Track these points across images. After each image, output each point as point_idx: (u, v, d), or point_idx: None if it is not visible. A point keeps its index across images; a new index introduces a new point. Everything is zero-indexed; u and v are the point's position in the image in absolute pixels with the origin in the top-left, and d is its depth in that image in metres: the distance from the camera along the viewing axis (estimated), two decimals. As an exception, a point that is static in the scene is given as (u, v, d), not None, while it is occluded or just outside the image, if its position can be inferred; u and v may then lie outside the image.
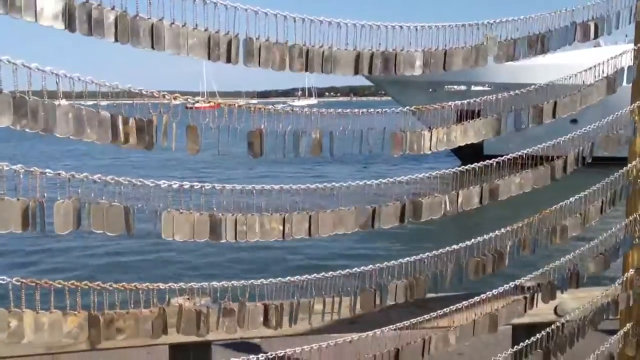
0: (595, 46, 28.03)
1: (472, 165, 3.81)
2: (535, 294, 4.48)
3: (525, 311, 4.44)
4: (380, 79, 29.73)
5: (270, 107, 3.03)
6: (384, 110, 3.33)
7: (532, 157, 4.11)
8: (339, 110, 3.19)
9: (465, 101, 3.65)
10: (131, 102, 2.57)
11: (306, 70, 2.98)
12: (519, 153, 4.04)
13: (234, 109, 2.89)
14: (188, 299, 3.02)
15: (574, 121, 4.33)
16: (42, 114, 2.32)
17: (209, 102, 3.04)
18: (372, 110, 3.26)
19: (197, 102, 3.06)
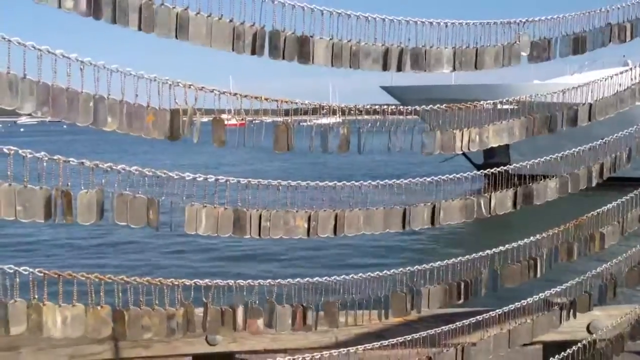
0: (624, 65, 27.76)
1: (505, 168, 3.72)
2: (571, 306, 4.34)
3: (560, 322, 4.30)
4: (405, 96, 29.62)
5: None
6: (413, 108, 3.26)
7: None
8: (368, 105, 3.13)
9: (498, 100, 3.59)
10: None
11: (332, 65, 2.94)
12: (551, 156, 3.94)
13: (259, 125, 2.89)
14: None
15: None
16: (64, 102, 2.30)
17: (242, 118, 2.99)
18: (401, 106, 3.20)
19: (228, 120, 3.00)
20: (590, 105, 3.97)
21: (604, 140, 4.19)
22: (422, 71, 3.18)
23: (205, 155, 53.30)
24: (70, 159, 2.38)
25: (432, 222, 3.50)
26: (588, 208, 4.28)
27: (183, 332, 2.85)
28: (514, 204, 3.79)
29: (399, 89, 31.56)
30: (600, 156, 4.22)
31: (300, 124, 3.06)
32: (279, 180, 2.91)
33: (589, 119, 4.01)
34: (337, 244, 17.21)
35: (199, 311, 2.95)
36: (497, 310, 3.95)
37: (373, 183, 3.25)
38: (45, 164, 2.36)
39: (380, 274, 3.38)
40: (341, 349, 3.54)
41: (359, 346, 3.59)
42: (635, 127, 4.39)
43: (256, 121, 2.91)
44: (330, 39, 2.91)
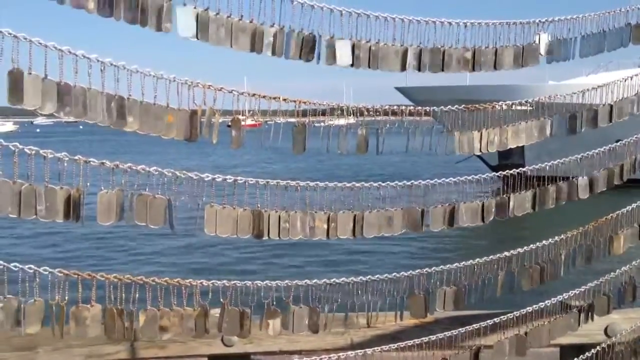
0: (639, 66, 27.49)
1: (521, 170, 3.69)
2: (589, 309, 4.30)
3: (578, 325, 4.25)
4: (420, 97, 29.49)
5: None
6: (432, 108, 3.24)
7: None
8: (387, 106, 3.11)
9: (517, 101, 3.56)
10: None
11: (352, 65, 2.92)
12: (570, 158, 3.89)
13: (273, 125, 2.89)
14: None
15: (618, 141, 4.18)
16: (87, 103, 2.30)
17: (257, 120, 2.97)
18: (419, 108, 3.18)
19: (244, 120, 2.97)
20: (611, 106, 3.93)
21: (623, 142, 4.15)
22: (440, 71, 3.16)
23: (215, 156, 53.44)
24: (91, 159, 2.38)
25: (451, 224, 3.48)
26: (607, 210, 4.23)
27: (200, 333, 2.84)
28: (533, 206, 3.76)
29: (413, 90, 31.44)
30: (620, 157, 4.18)
31: (314, 125, 3.05)
32: (297, 181, 2.90)
33: (610, 120, 3.97)
34: (353, 244, 17.19)
35: (215, 312, 2.94)
36: (514, 313, 3.92)
37: (391, 184, 3.23)
38: (65, 164, 2.36)
39: (398, 275, 3.35)
40: (357, 351, 3.53)
41: (374, 348, 3.57)
42: None
43: (270, 122, 2.90)
44: (351, 39, 2.89)
